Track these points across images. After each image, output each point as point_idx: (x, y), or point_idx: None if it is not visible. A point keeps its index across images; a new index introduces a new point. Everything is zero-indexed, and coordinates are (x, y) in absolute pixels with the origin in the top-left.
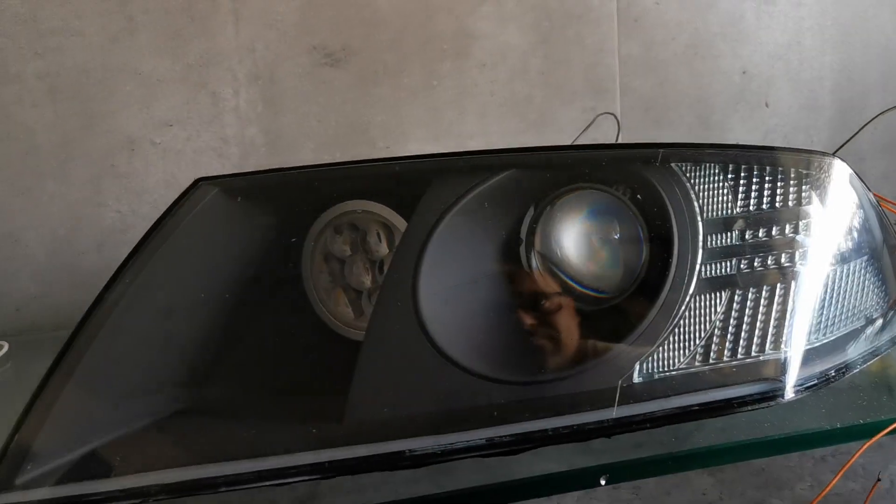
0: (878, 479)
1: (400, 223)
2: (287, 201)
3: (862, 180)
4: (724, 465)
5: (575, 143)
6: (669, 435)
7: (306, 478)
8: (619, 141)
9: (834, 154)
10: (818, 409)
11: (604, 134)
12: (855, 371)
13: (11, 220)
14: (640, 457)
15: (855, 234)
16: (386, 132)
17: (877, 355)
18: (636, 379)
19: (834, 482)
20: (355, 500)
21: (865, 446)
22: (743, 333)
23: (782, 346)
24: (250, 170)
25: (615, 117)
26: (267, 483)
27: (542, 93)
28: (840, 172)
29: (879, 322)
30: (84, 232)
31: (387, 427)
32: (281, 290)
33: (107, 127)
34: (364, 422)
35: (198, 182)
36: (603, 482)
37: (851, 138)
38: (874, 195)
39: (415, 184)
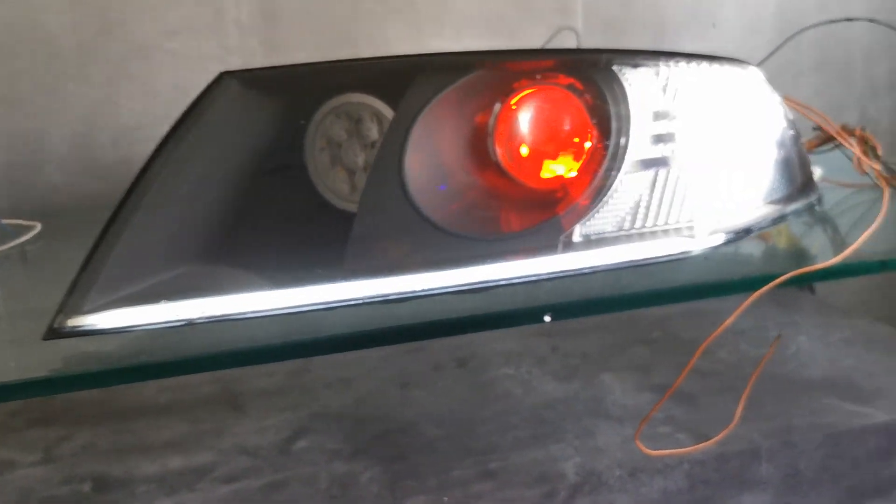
0: (779, 336)
1: (389, 112)
2: (294, 93)
3: (771, 85)
4: (645, 307)
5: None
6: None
7: (316, 307)
8: None
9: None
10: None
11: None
12: (754, 232)
13: (38, 117)
14: (575, 300)
15: (762, 128)
16: (372, 43)
17: (777, 223)
18: (576, 239)
19: (729, 321)
20: (341, 372)
21: (755, 295)
22: (664, 205)
23: (695, 213)
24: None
25: (575, 32)
26: (281, 311)
27: (513, 11)
28: (754, 78)
29: (782, 198)
30: (102, 129)
31: (377, 272)
32: (287, 169)
33: (121, 33)
34: (359, 268)
35: (222, 75)
36: (547, 319)
37: (767, 58)
38: (785, 99)
39: (401, 79)
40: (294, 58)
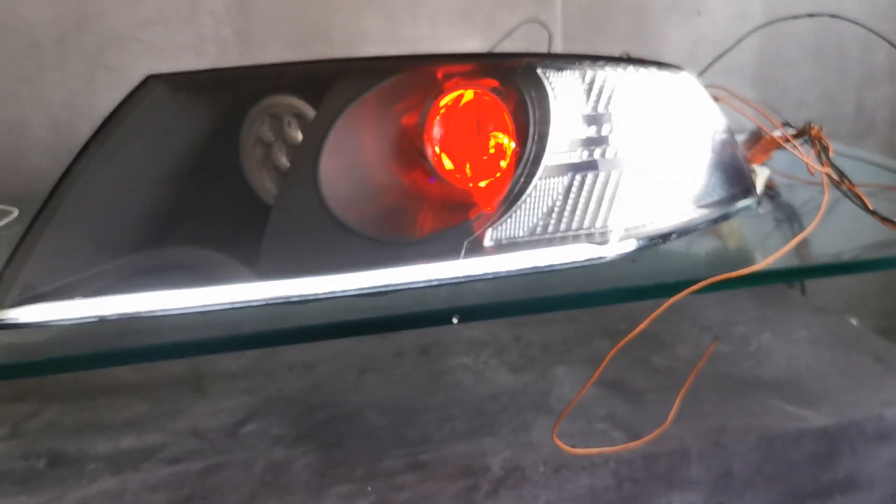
0: (716, 339)
1: (312, 114)
2: (221, 96)
3: (706, 90)
4: (556, 311)
5: (462, 53)
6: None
7: (222, 307)
8: (553, 48)
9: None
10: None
11: (544, 39)
12: (672, 238)
13: (20, 105)
14: (483, 303)
15: (692, 134)
16: (346, 34)
17: (706, 227)
18: (487, 243)
19: (642, 326)
20: (307, 356)
21: (669, 302)
22: (579, 210)
23: (612, 219)
24: (203, 68)
25: (543, 25)
26: (189, 310)
27: (489, 1)
28: (686, 83)
29: (714, 202)
30: (82, 117)
31: (288, 271)
32: (216, 169)
33: (98, 25)
34: (269, 269)
35: (148, 78)
36: (455, 320)
37: (727, 51)
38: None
39: (325, 82)
40: (268, 48)
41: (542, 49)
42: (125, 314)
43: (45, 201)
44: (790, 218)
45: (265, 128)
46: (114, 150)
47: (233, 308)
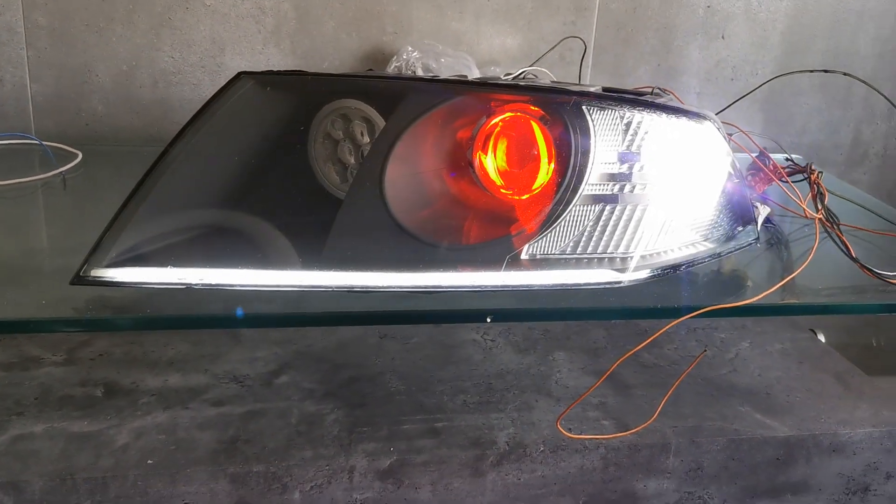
0: (705, 351)
1: (380, 121)
2: (303, 94)
3: (725, 138)
4: (578, 320)
5: (516, 83)
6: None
7: (292, 289)
8: (586, 59)
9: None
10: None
11: (579, 46)
12: (682, 269)
13: (87, 52)
14: (513, 307)
15: (708, 175)
16: (396, 21)
17: (711, 260)
18: (524, 256)
19: (637, 349)
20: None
21: (668, 326)
22: (605, 236)
23: (631, 248)
24: (284, 68)
25: (582, 41)
26: (263, 288)
27: (531, 4)
28: (708, 131)
29: (720, 238)
30: (143, 70)
31: (350, 262)
32: (290, 159)
33: None
34: (334, 260)
35: (240, 74)
36: (489, 320)
37: (738, 100)
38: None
39: (397, 95)
40: (322, 25)
41: (576, 57)
42: (209, 285)
43: (143, 176)
44: (783, 251)
45: (336, 126)
46: (207, 135)
47: (301, 291)
